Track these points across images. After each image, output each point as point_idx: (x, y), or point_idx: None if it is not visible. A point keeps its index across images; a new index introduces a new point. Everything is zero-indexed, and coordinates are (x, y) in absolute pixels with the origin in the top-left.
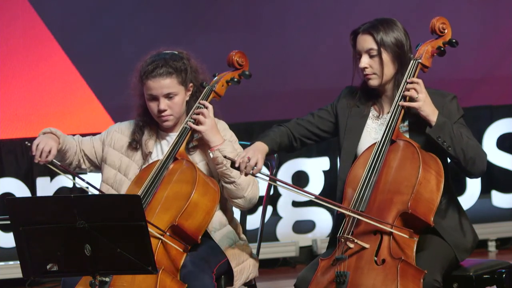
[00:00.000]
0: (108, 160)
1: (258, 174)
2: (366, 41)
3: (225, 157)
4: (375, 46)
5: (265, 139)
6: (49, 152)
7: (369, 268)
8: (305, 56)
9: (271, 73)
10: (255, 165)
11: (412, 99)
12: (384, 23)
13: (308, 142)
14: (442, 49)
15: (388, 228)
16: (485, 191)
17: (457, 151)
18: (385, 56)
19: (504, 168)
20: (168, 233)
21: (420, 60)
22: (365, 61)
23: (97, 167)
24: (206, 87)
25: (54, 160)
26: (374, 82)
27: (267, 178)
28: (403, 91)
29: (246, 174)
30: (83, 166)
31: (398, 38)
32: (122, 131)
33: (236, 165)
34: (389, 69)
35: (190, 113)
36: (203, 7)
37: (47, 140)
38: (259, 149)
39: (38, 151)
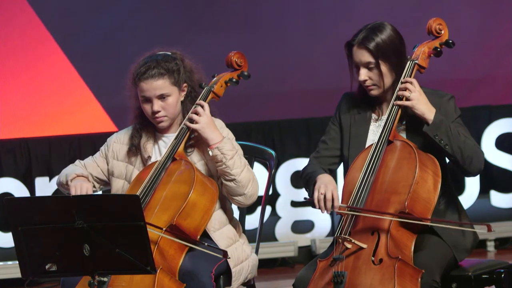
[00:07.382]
0: (116, 172)
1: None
2: (364, 55)
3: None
4: (372, 60)
5: (321, 171)
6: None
7: (366, 268)
8: (305, 56)
9: (270, 73)
10: (332, 199)
11: (406, 98)
12: (377, 31)
13: (336, 167)
14: (438, 49)
15: (389, 218)
16: (484, 191)
17: (454, 149)
18: (383, 67)
19: (503, 168)
20: (166, 233)
21: (416, 61)
22: (364, 73)
23: (107, 184)
24: (205, 88)
25: None
26: (375, 92)
27: (355, 212)
28: (398, 91)
29: (327, 211)
30: (94, 188)
31: (394, 45)
32: (120, 140)
33: (317, 205)
34: (388, 79)
35: (188, 114)
36: (202, 7)
37: (81, 184)
38: (328, 180)
39: None
